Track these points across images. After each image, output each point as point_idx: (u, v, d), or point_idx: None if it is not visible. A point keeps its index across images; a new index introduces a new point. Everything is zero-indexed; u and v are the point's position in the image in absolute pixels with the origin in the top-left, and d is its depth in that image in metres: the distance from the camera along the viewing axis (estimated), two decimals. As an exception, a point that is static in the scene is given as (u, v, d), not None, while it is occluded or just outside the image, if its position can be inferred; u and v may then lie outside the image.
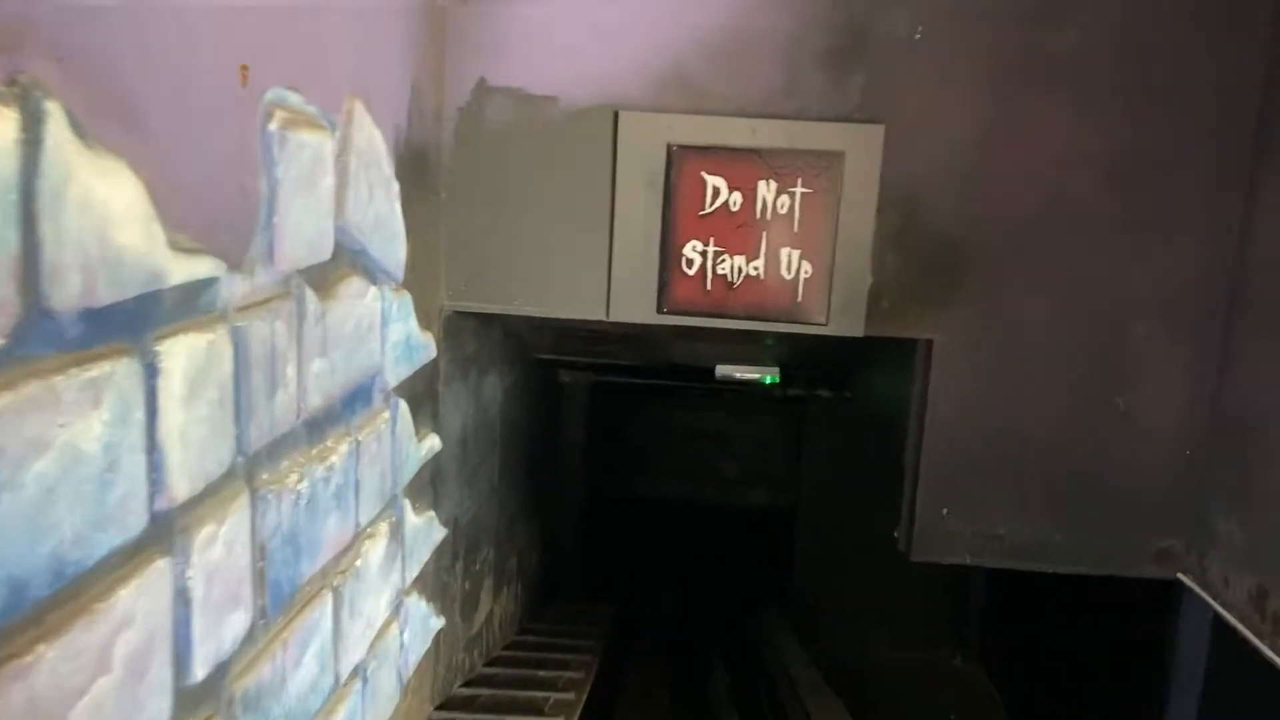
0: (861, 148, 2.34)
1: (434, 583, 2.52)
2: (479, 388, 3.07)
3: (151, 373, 1.10)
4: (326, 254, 1.62)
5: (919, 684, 5.55)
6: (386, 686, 2.09)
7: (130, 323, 1.07)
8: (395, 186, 1.99)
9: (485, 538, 3.36)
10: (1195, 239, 2.36)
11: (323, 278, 1.61)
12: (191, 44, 1.17)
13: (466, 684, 3.04)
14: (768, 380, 4.62)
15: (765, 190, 2.36)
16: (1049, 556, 2.52)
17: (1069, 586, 2.90)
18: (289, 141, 1.43)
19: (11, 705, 0.88)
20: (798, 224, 2.37)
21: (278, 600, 1.48)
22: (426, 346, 2.30)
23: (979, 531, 2.51)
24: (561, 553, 6.07)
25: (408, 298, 2.12)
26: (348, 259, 1.73)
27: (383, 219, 1.92)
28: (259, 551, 1.40)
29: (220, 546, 1.28)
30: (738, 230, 2.39)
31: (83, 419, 0.97)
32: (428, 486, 2.40)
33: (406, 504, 2.19)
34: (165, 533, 1.15)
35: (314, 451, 1.61)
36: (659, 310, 2.44)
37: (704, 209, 2.38)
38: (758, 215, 2.38)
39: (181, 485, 1.18)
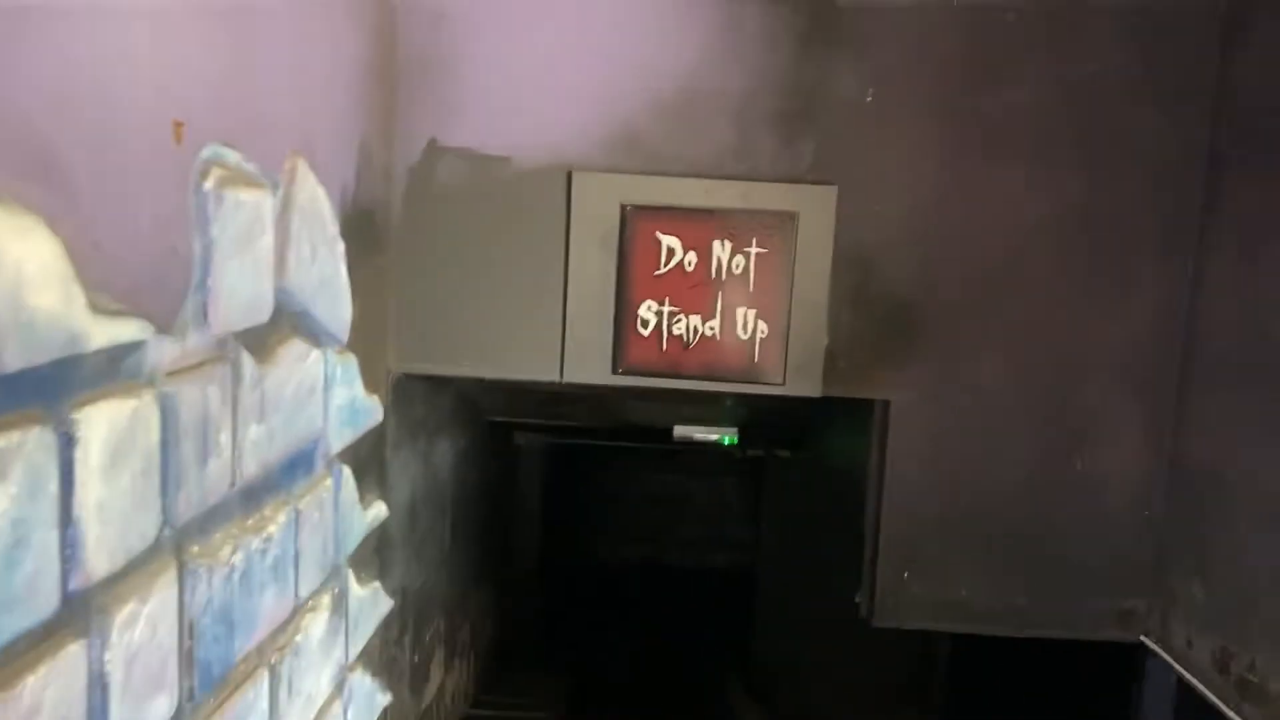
0: (815, 208, 2.33)
1: (380, 656, 2.42)
2: (429, 452, 2.99)
3: (67, 442, 1.03)
4: (265, 316, 1.56)
5: (883, 750, 5.45)
6: (328, 769, 1.99)
7: (44, 389, 1.00)
8: (340, 246, 1.94)
9: (435, 608, 3.25)
10: (1147, 298, 2.38)
11: (261, 340, 1.55)
12: (119, 98, 1.13)
13: (415, 762, 2.92)
14: (726, 441, 4.58)
15: (720, 250, 2.34)
16: (1013, 621, 2.48)
17: (1036, 649, 2.86)
18: (225, 200, 1.37)
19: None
20: (753, 284, 2.35)
21: (207, 681, 1.39)
22: (373, 410, 2.23)
23: (941, 596, 2.46)
24: (516, 622, 5.92)
25: (353, 360, 2.06)
26: (289, 321, 1.67)
27: (327, 280, 1.87)
28: (187, 629, 1.32)
29: (143, 626, 1.20)
30: (693, 290, 2.36)
31: (-14, 493, 0.90)
32: (374, 556, 2.31)
33: (351, 575, 2.11)
34: (80, 613, 1.07)
35: (250, 522, 1.54)
36: (614, 371, 2.40)
37: (659, 269, 2.35)
38: (713, 275, 2.35)
39: (100, 561, 1.10)
